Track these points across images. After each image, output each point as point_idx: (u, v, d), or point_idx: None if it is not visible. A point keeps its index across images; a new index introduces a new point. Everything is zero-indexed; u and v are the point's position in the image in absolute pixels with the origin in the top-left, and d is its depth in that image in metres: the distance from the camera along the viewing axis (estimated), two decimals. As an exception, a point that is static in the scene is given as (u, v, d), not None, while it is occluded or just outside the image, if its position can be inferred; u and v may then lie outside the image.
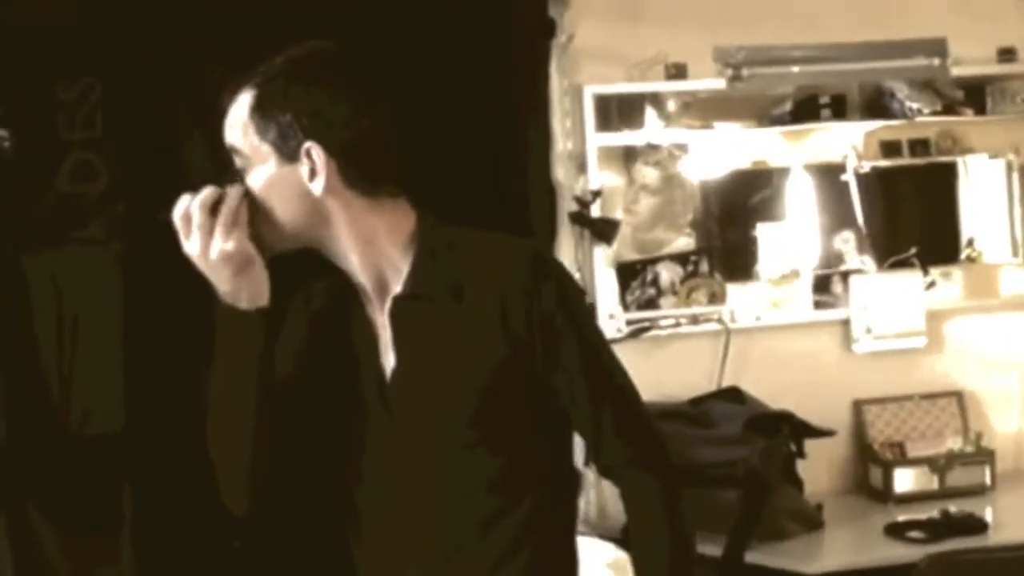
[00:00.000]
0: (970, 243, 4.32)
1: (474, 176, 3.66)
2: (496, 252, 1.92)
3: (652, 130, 4.00)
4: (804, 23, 4.05)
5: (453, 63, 3.59)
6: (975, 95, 4.26)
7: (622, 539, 3.43)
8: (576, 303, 1.96)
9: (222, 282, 1.82)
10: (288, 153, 1.83)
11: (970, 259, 4.31)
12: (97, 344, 4.38)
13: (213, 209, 1.81)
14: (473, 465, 1.87)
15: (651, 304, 3.97)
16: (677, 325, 3.98)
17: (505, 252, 1.92)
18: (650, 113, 4.01)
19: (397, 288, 1.89)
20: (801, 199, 4.18)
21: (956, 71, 4.11)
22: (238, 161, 1.87)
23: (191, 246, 1.82)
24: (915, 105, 4.12)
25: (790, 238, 4.16)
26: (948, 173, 4.33)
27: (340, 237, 1.87)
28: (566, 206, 3.92)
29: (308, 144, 1.82)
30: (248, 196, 1.84)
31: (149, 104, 4.14)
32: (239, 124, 1.85)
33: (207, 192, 1.82)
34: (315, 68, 1.87)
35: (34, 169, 4.05)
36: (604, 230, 3.84)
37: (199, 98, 4.41)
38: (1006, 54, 4.21)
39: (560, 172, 3.93)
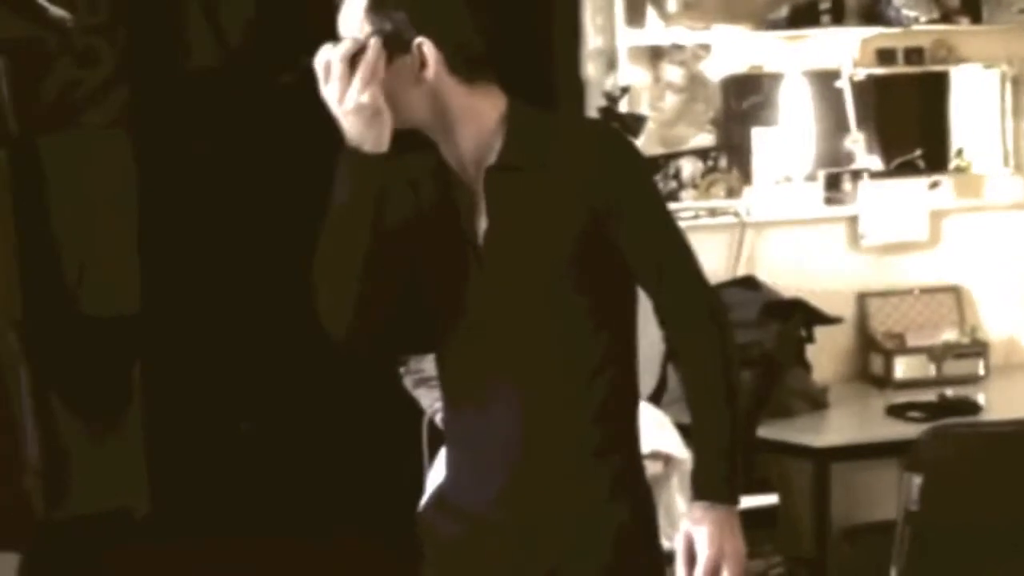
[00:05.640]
0: (959, 153, 4.43)
1: (501, 69, 3.83)
2: (577, 132, 2.20)
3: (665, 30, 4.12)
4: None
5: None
6: (971, 4, 4.28)
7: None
8: (646, 178, 2.24)
9: (351, 128, 2.02)
10: (401, 46, 2.05)
11: (959, 169, 4.42)
12: (112, 227, 4.53)
13: (352, 61, 2.00)
14: (563, 303, 2.13)
15: (672, 197, 4.13)
16: (696, 217, 4.18)
17: (585, 133, 2.22)
18: (651, 13, 4.14)
19: (491, 161, 2.12)
20: (796, 104, 4.30)
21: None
22: None
23: (328, 92, 2.01)
24: (912, 13, 4.19)
25: (785, 142, 4.28)
26: (941, 82, 4.41)
27: (443, 118, 2.10)
28: (595, 102, 4.09)
29: (420, 39, 2.05)
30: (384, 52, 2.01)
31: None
32: (355, 18, 2.06)
33: (348, 44, 2.01)
34: None
35: (40, 53, 4.17)
36: (632, 125, 4.00)
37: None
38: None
39: (590, 68, 4.12)
